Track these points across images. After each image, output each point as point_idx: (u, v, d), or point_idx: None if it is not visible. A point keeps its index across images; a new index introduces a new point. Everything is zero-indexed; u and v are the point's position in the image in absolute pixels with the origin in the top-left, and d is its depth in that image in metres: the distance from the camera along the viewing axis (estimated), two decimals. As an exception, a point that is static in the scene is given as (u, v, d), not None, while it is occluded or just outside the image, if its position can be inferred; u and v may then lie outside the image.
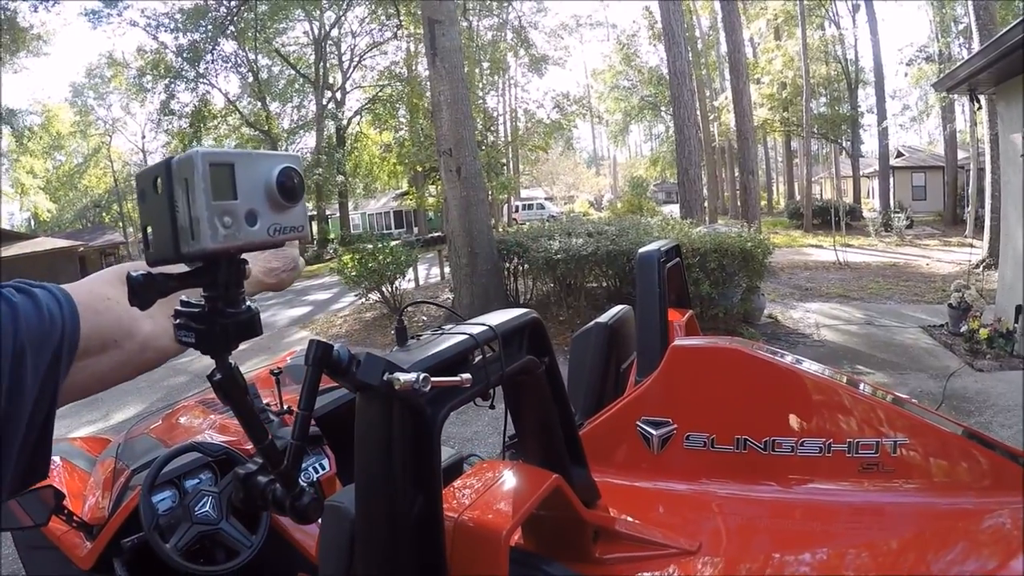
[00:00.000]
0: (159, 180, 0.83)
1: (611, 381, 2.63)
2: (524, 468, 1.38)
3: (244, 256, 0.89)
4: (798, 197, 32.34)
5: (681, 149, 14.87)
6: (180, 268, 0.89)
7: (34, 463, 0.71)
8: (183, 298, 0.95)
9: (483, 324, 1.15)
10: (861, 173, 34.03)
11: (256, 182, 0.86)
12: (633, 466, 1.89)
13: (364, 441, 1.01)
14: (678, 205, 15.88)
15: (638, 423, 1.90)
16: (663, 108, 38.82)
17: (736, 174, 31.13)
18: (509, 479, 1.33)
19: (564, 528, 1.36)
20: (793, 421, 1.71)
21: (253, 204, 0.85)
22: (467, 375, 0.98)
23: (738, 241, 7.62)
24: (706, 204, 20.42)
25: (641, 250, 2.68)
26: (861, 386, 1.79)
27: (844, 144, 31.08)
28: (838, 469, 1.61)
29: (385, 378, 0.93)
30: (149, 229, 0.88)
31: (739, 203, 26.34)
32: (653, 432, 1.87)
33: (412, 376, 0.90)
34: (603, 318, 2.75)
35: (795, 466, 1.66)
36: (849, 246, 16.79)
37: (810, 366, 1.86)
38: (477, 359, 1.12)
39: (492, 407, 1.22)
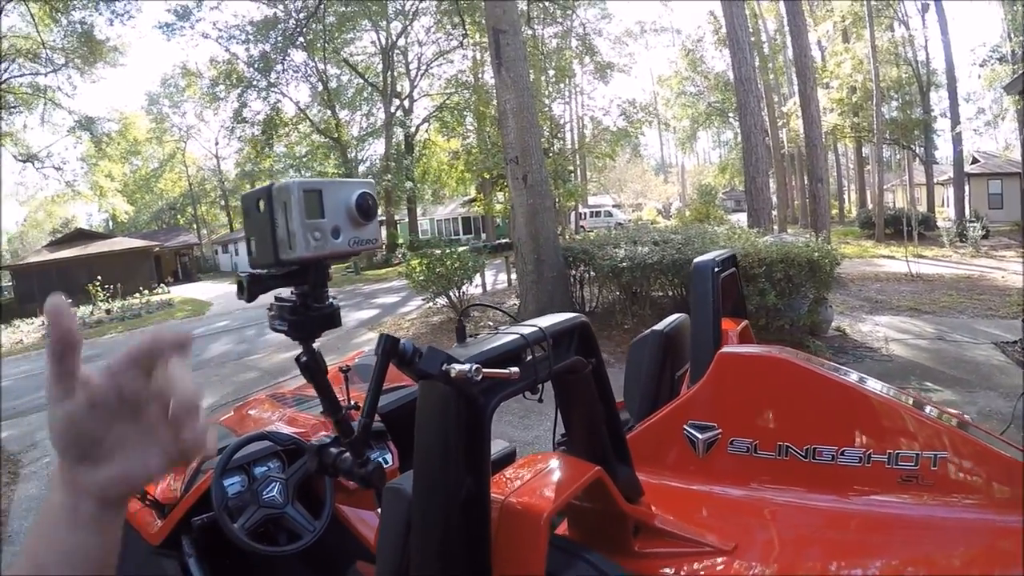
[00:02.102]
0: (261, 201, 1.12)
1: (666, 387, 2.67)
2: (568, 459, 1.47)
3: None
4: (870, 205, 31.45)
5: (748, 157, 14.62)
6: (272, 271, 1.17)
7: None
8: (276, 295, 1.23)
9: (534, 326, 1.26)
10: (935, 180, 32.69)
11: (340, 204, 1.14)
12: (679, 468, 1.95)
13: (423, 425, 1.14)
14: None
15: (685, 427, 1.96)
16: (731, 114, 38.12)
17: (806, 182, 30.45)
18: (554, 468, 1.43)
19: (606, 521, 1.45)
20: (834, 430, 1.74)
21: (337, 221, 1.14)
22: (515, 368, 1.10)
23: (805, 251, 7.45)
24: (775, 213, 20.01)
25: (696, 260, 2.72)
26: (906, 399, 1.81)
27: (917, 150, 30.14)
28: (877, 479, 1.64)
29: (443, 368, 1.06)
30: (252, 240, 1.16)
31: (809, 212, 25.80)
32: (699, 436, 1.93)
33: (466, 367, 1.03)
34: (660, 325, 2.79)
35: (834, 475, 1.69)
36: (922, 257, 16.30)
37: (854, 376, 1.88)
38: (528, 357, 1.22)
39: (540, 400, 1.33)
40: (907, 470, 1.60)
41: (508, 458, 2.62)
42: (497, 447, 2.75)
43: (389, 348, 1.12)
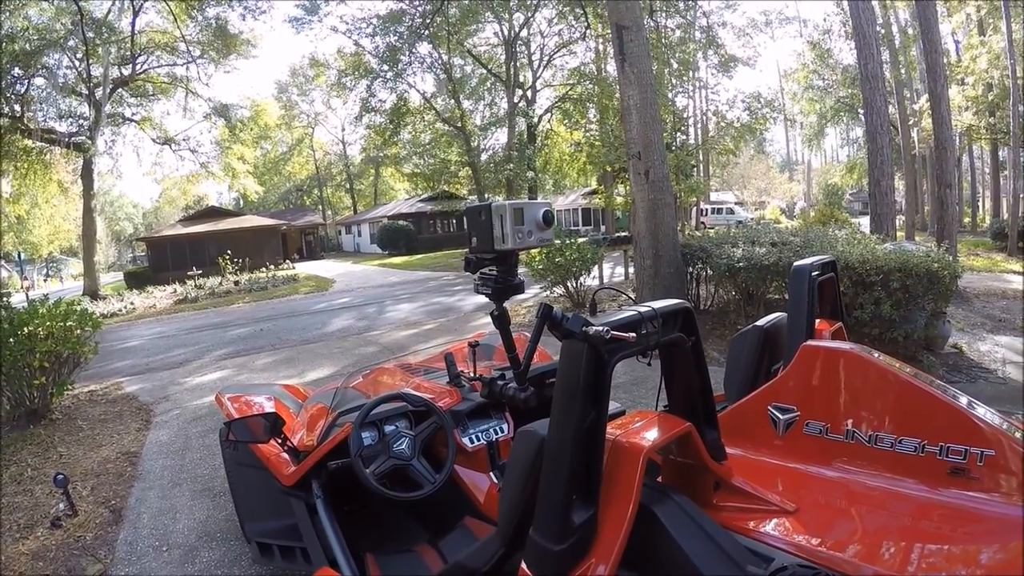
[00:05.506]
0: (483, 213, 2.01)
1: (762, 378, 2.83)
2: (667, 416, 1.74)
3: None
4: (1005, 215, 29.44)
5: (873, 159, 13.81)
6: (487, 256, 2.19)
7: None
8: (482, 272, 2.20)
9: (649, 306, 1.57)
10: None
11: (532, 216, 2.02)
12: (762, 444, 2.17)
13: (563, 371, 1.46)
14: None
15: (770, 407, 2.18)
16: (860, 110, 35.95)
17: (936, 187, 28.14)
18: (654, 421, 1.71)
19: (693, 475, 1.74)
20: (896, 421, 1.89)
21: (531, 227, 2.01)
22: (632, 334, 1.43)
23: (924, 261, 6.97)
24: (903, 218, 18.76)
25: (795, 263, 2.97)
26: (965, 400, 1.90)
27: (1057, 156, 27.97)
28: (928, 468, 1.77)
29: (583, 329, 1.40)
30: (474, 235, 2.08)
31: (936, 219, 23.90)
32: (780, 417, 2.14)
33: (600, 328, 1.37)
34: (760, 322, 3.06)
35: (892, 460, 1.85)
36: (1056, 274, 15.07)
37: (919, 378, 1.98)
38: (644, 331, 1.52)
39: (649, 364, 1.66)
40: (956, 463, 1.74)
41: (619, 415, 2.88)
42: (612, 407, 3.08)
43: (545, 312, 1.69)
